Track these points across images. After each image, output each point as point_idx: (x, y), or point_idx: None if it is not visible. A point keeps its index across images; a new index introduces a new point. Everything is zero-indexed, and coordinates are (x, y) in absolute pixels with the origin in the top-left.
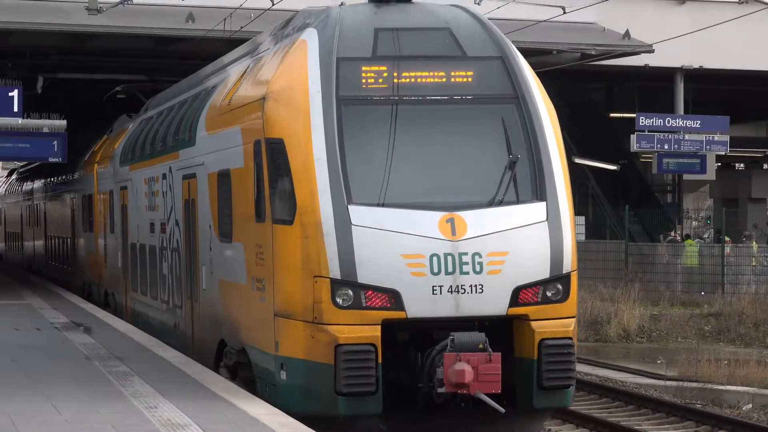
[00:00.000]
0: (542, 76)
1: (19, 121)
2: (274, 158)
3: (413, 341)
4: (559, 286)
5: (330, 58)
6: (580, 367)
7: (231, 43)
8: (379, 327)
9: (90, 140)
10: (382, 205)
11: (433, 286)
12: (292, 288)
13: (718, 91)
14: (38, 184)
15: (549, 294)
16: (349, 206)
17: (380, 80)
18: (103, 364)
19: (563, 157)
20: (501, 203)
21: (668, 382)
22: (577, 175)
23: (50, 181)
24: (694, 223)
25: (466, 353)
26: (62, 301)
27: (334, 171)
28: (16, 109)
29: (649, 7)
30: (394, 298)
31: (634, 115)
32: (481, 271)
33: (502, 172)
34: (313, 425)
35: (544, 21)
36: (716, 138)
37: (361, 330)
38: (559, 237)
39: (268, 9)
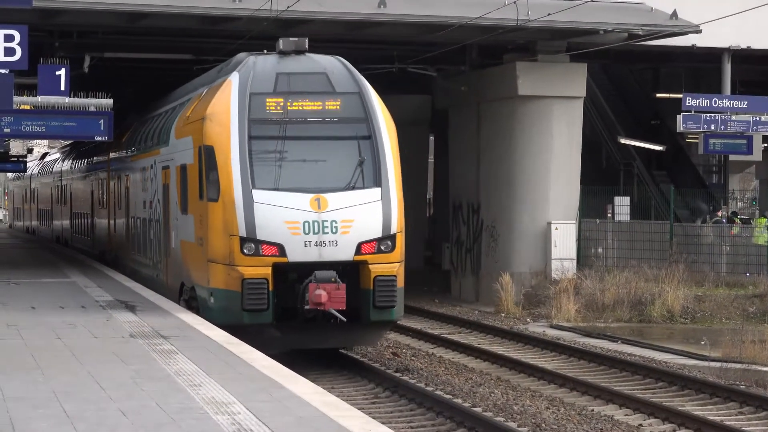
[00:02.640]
0: (589, 56)
1: (66, 99)
2: (208, 158)
3: (297, 278)
4: (389, 242)
5: (245, 93)
6: (623, 348)
7: (277, 22)
8: (270, 267)
9: None
10: (274, 189)
11: (305, 242)
12: (217, 243)
13: (765, 72)
14: (66, 166)
15: (382, 247)
16: (253, 190)
17: (278, 107)
18: (147, 342)
19: (396, 158)
20: (352, 188)
21: (712, 363)
22: (622, 155)
23: (75, 164)
24: (739, 204)
25: (323, 284)
26: (107, 279)
27: (244, 167)
28: (63, 87)
29: None
30: (280, 249)
31: (680, 96)
32: (336, 232)
33: (354, 168)
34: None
35: (592, 1)
36: (763, 119)
37: (259, 269)
38: (388, 210)
39: None
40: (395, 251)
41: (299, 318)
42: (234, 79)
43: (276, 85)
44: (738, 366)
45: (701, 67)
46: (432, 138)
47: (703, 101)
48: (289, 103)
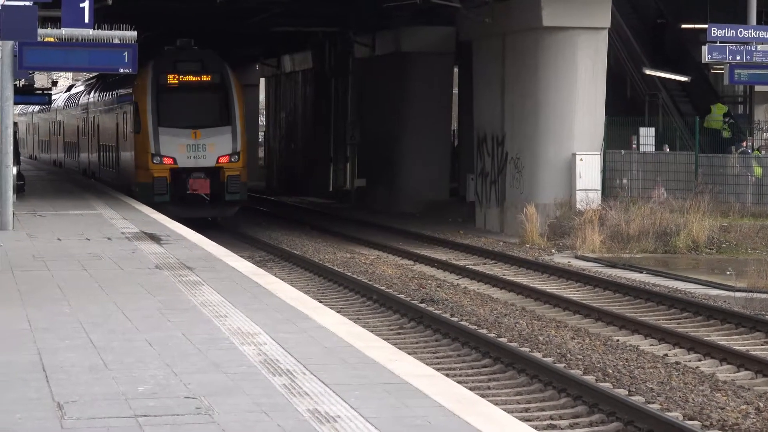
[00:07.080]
0: None
1: (90, 32)
2: (136, 108)
3: (184, 177)
4: (236, 156)
5: (157, 72)
6: (648, 279)
7: None
8: (168, 170)
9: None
10: (171, 126)
11: (187, 156)
12: (140, 157)
13: None
14: (60, 104)
15: (232, 159)
16: (159, 127)
17: (175, 80)
18: (173, 274)
19: (242, 111)
20: (215, 126)
21: (737, 294)
22: (647, 85)
23: (66, 103)
24: (765, 135)
25: (197, 179)
26: (133, 211)
27: (154, 114)
28: (87, 20)
29: None
30: (174, 160)
31: (705, 26)
32: (205, 150)
33: (216, 116)
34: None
35: None
36: None
37: (162, 171)
38: (236, 139)
39: None
40: (239, 161)
41: (186, 199)
42: (151, 64)
43: (174, 67)
44: (764, 296)
45: None
46: (456, 70)
47: (728, 31)
48: (180, 77)
